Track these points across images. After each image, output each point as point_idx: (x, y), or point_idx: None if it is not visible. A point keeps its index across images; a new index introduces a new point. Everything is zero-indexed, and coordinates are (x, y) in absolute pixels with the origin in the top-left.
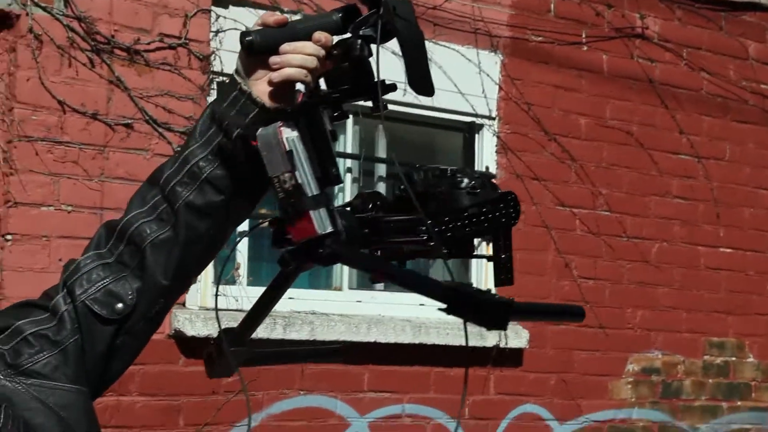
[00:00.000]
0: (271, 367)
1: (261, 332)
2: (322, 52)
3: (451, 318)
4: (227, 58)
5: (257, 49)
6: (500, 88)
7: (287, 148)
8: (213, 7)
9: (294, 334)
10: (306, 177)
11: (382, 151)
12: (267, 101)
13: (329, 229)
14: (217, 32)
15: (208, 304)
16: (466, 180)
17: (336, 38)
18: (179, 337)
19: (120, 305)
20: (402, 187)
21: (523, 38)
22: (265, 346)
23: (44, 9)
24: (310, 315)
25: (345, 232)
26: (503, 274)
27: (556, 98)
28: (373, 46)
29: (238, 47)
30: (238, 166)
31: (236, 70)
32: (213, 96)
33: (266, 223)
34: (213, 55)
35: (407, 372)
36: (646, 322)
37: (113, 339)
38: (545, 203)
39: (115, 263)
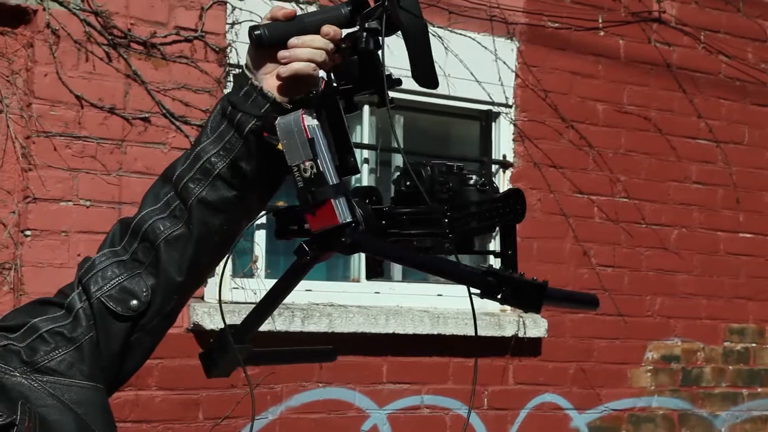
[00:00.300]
0: None
1: (279, 325)
2: (331, 46)
3: (469, 307)
4: (243, 50)
5: (266, 43)
6: (517, 76)
7: (309, 136)
8: None
9: (312, 327)
10: (327, 165)
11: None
12: (277, 95)
13: (350, 219)
14: (233, 24)
15: (227, 297)
16: (475, 177)
17: (346, 31)
18: (198, 331)
19: (135, 302)
20: (408, 183)
21: (539, 25)
22: (285, 339)
23: (61, 4)
24: (328, 307)
25: (364, 222)
26: (509, 269)
27: (573, 85)
28: (381, 39)
29: None
30: (250, 161)
31: (246, 65)
32: (230, 88)
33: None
34: (229, 47)
35: (426, 363)
36: (666, 309)
37: (128, 336)
38: (563, 191)
39: (129, 260)
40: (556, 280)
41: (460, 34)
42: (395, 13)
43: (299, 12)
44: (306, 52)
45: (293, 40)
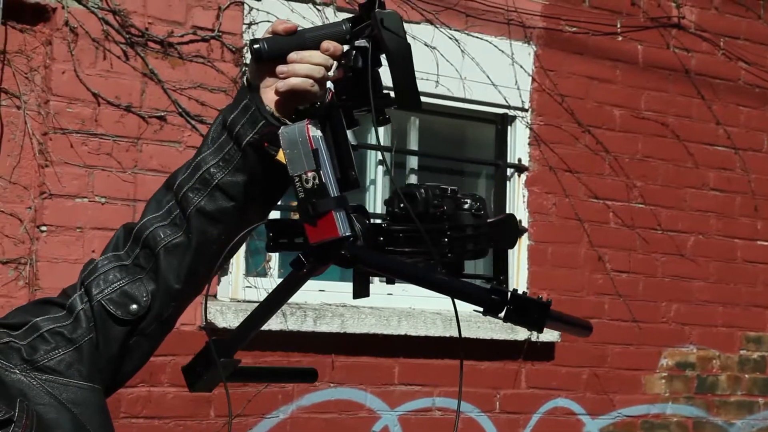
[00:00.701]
0: (302, 358)
1: (291, 325)
2: (331, 62)
3: (481, 310)
4: None
5: (265, 57)
6: (533, 80)
7: (314, 147)
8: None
9: (324, 327)
10: (329, 177)
11: (413, 143)
12: (275, 110)
13: (349, 232)
14: (249, 24)
15: (239, 296)
16: (470, 201)
17: (347, 47)
18: (210, 329)
19: (134, 306)
20: (402, 205)
21: (557, 29)
22: (296, 339)
23: (80, 2)
24: (340, 308)
25: (362, 236)
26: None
27: (590, 89)
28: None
29: None
30: (248, 173)
31: (247, 77)
32: None
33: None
34: (246, 47)
35: (438, 365)
36: (681, 316)
37: (127, 339)
38: (578, 195)
39: (132, 265)
40: (570, 285)
41: (477, 37)
42: (379, 33)
43: (305, 24)
44: (304, 68)
45: (292, 55)
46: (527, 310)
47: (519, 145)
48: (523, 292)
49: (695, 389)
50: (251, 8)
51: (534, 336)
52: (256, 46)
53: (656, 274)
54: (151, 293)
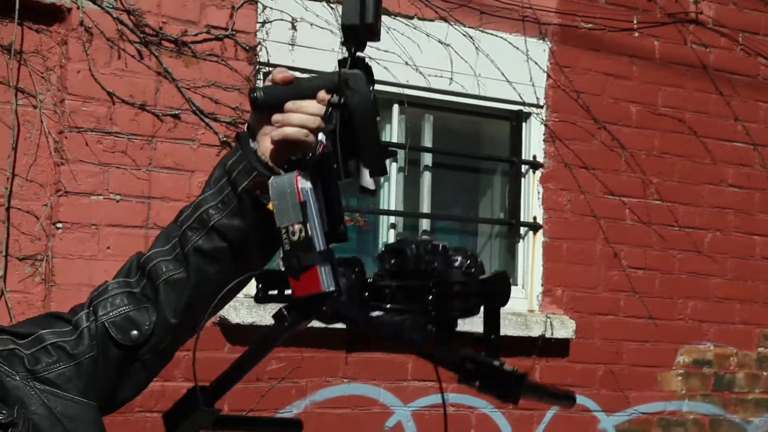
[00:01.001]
0: (315, 354)
1: None
2: None
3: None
4: (273, 49)
5: (261, 105)
6: (548, 76)
7: (302, 199)
8: None
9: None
10: (316, 230)
11: (428, 141)
12: (269, 158)
13: (333, 288)
14: (263, 23)
15: (252, 292)
16: (460, 258)
17: None
18: (224, 325)
19: (135, 333)
20: (393, 261)
21: (572, 25)
22: (307, 334)
23: (94, 2)
24: None
25: (347, 292)
26: (492, 354)
27: (606, 86)
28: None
29: (285, 37)
30: (245, 218)
31: (248, 124)
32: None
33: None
34: (259, 45)
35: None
36: (698, 313)
37: (124, 364)
38: (594, 192)
39: (140, 294)
40: (585, 282)
41: (492, 34)
42: (345, 92)
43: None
44: (298, 118)
45: (289, 105)
46: (503, 381)
47: (534, 141)
48: (501, 362)
49: (712, 387)
50: (265, 7)
51: (548, 333)
52: (253, 94)
53: (673, 271)
54: (153, 323)
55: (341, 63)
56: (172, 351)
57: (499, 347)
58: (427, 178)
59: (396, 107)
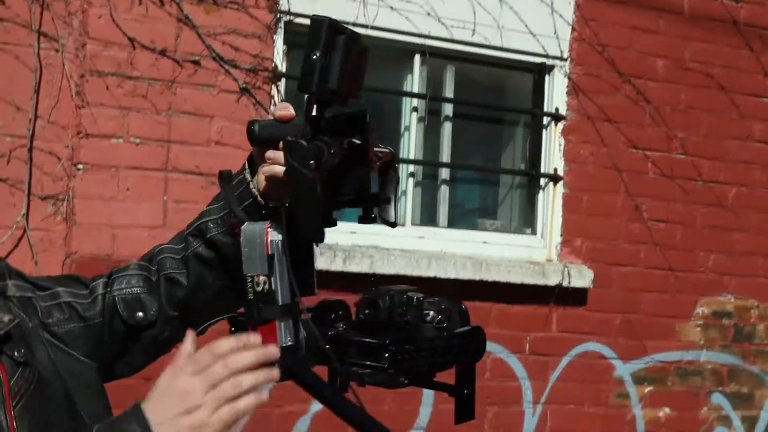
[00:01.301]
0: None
1: (321, 264)
2: None
3: (514, 255)
4: None
5: (257, 140)
6: (573, 29)
7: (270, 252)
8: None
9: (354, 267)
10: (279, 284)
11: (449, 91)
12: (259, 194)
13: (290, 343)
14: None
15: None
16: (432, 312)
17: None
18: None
19: (141, 314)
20: (368, 311)
21: None
22: (325, 278)
23: None
24: (371, 249)
25: (305, 347)
26: (465, 410)
27: (632, 39)
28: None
29: None
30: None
31: (250, 154)
32: (279, 35)
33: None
34: None
35: (468, 307)
36: (719, 266)
37: (126, 341)
38: (617, 145)
39: (155, 282)
40: (605, 233)
41: None
42: (287, 162)
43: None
44: None
45: (282, 143)
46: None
47: (557, 94)
48: None
49: (732, 338)
50: None
51: (566, 282)
52: (251, 127)
53: (695, 225)
54: (158, 311)
55: (293, 129)
56: (170, 344)
57: (473, 402)
58: (447, 128)
59: (417, 57)
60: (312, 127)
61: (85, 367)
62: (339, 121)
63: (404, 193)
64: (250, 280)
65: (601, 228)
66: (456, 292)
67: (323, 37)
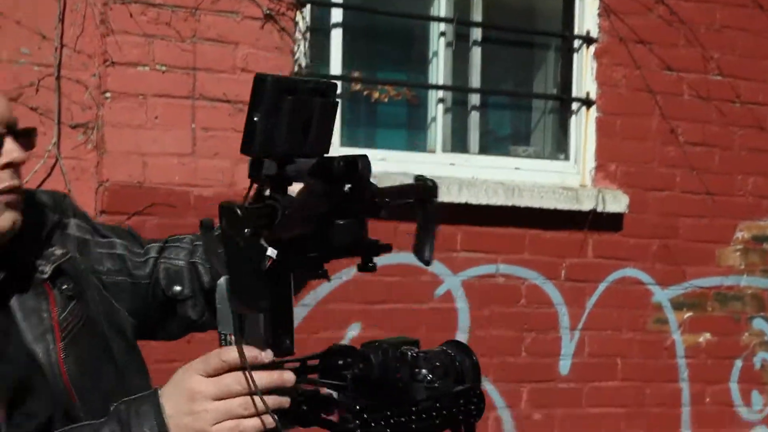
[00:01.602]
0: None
1: None
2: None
3: (547, 180)
4: None
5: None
6: None
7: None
8: None
9: None
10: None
11: (477, 15)
12: None
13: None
14: None
15: None
16: (424, 371)
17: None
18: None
19: (178, 288)
20: (361, 366)
21: None
22: None
23: None
24: (401, 175)
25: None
26: None
27: None
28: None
29: None
30: None
31: None
32: None
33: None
34: None
35: (501, 233)
36: (759, 189)
37: (165, 309)
38: (650, 67)
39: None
40: (639, 157)
41: None
42: (221, 227)
43: None
44: None
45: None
46: None
47: (588, 15)
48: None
49: None
50: None
51: (600, 207)
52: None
53: (733, 147)
54: (193, 290)
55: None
56: (197, 327)
57: None
58: (477, 53)
59: None
60: (271, 185)
61: (125, 321)
62: (334, 167)
63: (434, 119)
64: (223, 337)
65: (636, 152)
66: (488, 219)
67: (265, 98)
